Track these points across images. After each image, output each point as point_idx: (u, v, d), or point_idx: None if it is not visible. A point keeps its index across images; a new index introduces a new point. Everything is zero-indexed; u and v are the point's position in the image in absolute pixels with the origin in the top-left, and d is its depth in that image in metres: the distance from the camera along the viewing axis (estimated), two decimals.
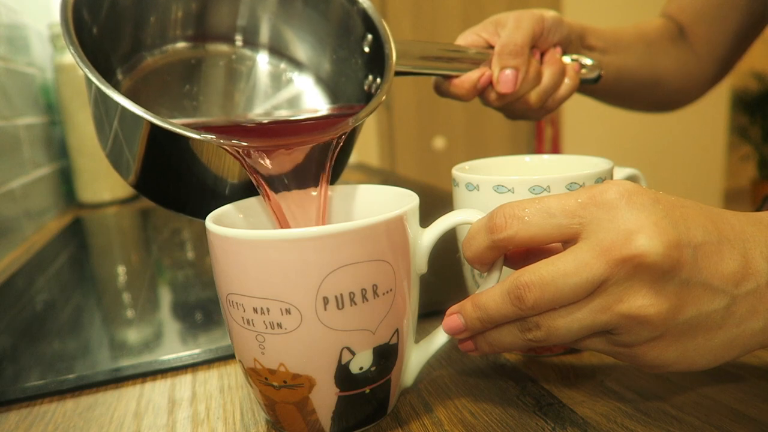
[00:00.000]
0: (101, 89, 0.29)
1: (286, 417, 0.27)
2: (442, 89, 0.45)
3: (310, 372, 0.26)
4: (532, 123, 2.31)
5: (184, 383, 0.35)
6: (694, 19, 0.58)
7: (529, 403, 0.30)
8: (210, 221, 0.27)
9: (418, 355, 0.30)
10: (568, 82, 0.45)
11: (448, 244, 0.31)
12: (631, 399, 0.30)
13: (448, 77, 0.44)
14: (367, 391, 0.27)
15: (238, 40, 0.45)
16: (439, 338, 0.30)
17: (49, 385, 0.34)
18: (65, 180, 1.02)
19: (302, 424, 0.27)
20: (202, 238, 0.70)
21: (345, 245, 0.24)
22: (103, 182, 0.99)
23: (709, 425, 0.27)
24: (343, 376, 0.26)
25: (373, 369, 0.27)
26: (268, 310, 0.25)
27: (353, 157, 1.65)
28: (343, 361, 0.26)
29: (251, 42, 0.45)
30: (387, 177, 1.33)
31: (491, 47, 0.44)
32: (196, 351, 0.37)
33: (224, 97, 0.44)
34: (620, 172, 0.37)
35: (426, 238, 0.28)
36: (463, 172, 0.36)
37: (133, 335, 0.41)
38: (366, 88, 0.41)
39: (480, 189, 0.32)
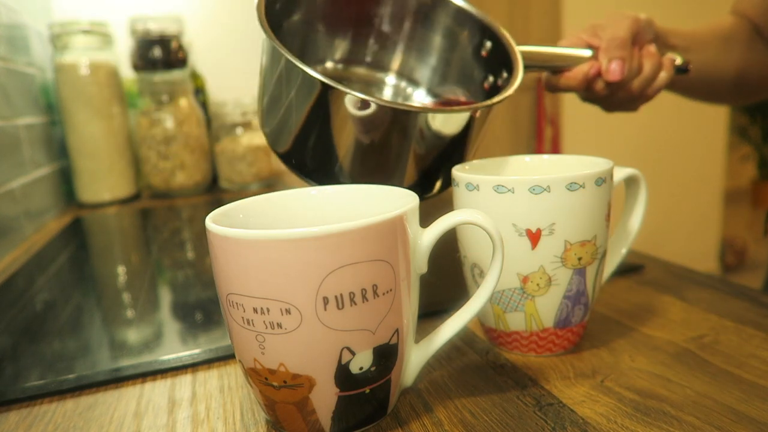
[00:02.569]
0: (300, 67, 0.36)
1: (286, 417, 0.27)
2: (552, 83, 0.50)
3: (310, 372, 0.26)
4: (532, 123, 2.31)
5: (184, 383, 0.35)
6: (766, 14, 0.60)
7: (529, 403, 0.30)
8: (210, 221, 0.27)
9: (418, 355, 0.30)
10: (664, 74, 0.50)
11: (448, 244, 0.31)
12: (631, 399, 0.30)
13: (559, 70, 0.49)
14: (367, 391, 0.27)
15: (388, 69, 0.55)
16: (439, 338, 0.30)
17: (49, 385, 0.34)
18: (65, 180, 1.02)
19: (302, 424, 0.27)
20: (202, 238, 0.70)
21: (345, 245, 0.24)
22: (103, 182, 0.99)
23: (709, 425, 0.27)
24: (343, 376, 0.26)
25: (373, 369, 0.27)
26: (268, 310, 0.25)
27: None
28: (343, 361, 0.26)
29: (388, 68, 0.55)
30: None
31: (590, 48, 0.49)
32: (196, 351, 0.37)
33: None
34: (620, 172, 0.37)
35: (426, 238, 0.28)
36: (463, 172, 0.36)
37: (133, 335, 0.41)
38: (486, 86, 0.49)
39: (480, 189, 0.32)
